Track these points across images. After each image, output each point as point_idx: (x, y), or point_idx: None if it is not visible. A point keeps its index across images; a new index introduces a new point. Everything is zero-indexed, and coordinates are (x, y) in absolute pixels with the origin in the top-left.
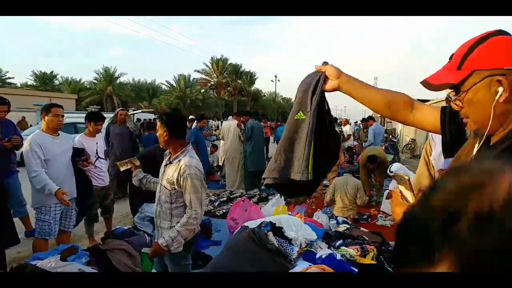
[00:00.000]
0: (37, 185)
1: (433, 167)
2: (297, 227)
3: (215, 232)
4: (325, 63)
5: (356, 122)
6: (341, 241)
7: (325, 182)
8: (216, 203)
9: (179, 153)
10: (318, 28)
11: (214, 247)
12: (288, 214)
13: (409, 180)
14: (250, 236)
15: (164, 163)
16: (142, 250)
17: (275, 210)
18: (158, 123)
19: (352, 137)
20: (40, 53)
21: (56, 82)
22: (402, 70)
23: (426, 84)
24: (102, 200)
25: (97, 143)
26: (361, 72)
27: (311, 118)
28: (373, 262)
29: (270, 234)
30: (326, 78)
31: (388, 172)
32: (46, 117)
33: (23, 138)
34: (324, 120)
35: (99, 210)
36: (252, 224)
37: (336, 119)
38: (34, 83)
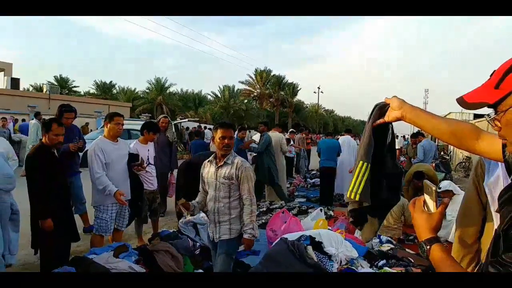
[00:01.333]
0: (99, 186)
1: (485, 193)
2: (337, 243)
3: (254, 242)
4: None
5: (404, 136)
6: (384, 261)
7: None
8: (256, 213)
9: (229, 155)
10: (364, 38)
11: (252, 256)
12: (329, 229)
13: (435, 190)
14: (289, 248)
15: (213, 167)
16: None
17: (315, 224)
18: (231, 130)
19: (399, 152)
20: (100, 63)
21: (114, 91)
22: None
23: (462, 101)
24: (151, 203)
25: (148, 150)
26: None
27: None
28: None
29: (310, 248)
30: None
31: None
32: (109, 125)
33: (85, 142)
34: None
35: (148, 213)
36: (291, 236)
37: None
38: (96, 92)
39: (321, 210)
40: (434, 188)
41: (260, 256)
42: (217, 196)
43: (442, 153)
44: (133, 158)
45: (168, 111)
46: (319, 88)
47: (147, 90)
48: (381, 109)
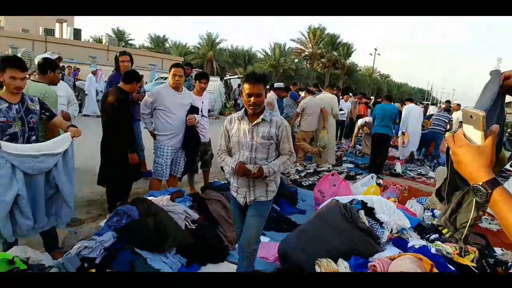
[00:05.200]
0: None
1: None
2: (389, 211)
3: (301, 201)
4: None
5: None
6: (436, 235)
7: (420, 170)
8: (303, 174)
9: (264, 112)
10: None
11: (299, 215)
12: (380, 196)
13: (483, 117)
14: (341, 211)
15: (245, 124)
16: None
17: (366, 190)
18: (259, 86)
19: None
20: (154, 18)
21: (167, 45)
22: None
23: None
24: (203, 154)
25: (202, 102)
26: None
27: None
28: (473, 264)
29: (362, 213)
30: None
31: (508, 168)
32: (170, 75)
33: (145, 91)
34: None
35: (199, 163)
36: (342, 199)
37: (449, 101)
38: (150, 45)
39: (372, 177)
40: (482, 114)
41: (307, 215)
42: (253, 158)
43: (509, 130)
44: (193, 110)
45: (218, 66)
46: (375, 49)
47: (198, 45)
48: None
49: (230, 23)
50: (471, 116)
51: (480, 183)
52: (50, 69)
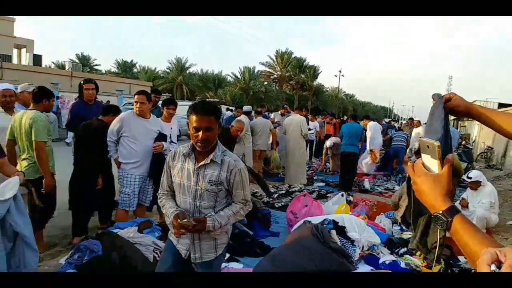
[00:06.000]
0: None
1: None
2: (360, 229)
3: (274, 223)
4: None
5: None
6: (405, 249)
7: (387, 185)
8: (275, 195)
9: (215, 150)
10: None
11: (272, 238)
12: (351, 214)
13: (439, 146)
14: (313, 232)
15: (190, 164)
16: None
17: (337, 208)
18: (210, 118)
19: None
20: (121, 43)
21: (135, 70)
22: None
23: None
24: None
25: (171, 128)
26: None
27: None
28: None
29: (333, 232)
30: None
31: (464, 179)
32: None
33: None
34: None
35: None
36: (314, 220)
37: (411, 119)
38: (117, 71)
39: (342, 195)
40: (437, 144)
41: (280, 237)
42: (197, 206)
43: (464, 142)
44: (162, 137)
45: (188, 91)
46: (340, 71)
47: (167, 70)
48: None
49: (199, 48)
50: (428, 146)
51: (440, 212)
52: (45, 97)
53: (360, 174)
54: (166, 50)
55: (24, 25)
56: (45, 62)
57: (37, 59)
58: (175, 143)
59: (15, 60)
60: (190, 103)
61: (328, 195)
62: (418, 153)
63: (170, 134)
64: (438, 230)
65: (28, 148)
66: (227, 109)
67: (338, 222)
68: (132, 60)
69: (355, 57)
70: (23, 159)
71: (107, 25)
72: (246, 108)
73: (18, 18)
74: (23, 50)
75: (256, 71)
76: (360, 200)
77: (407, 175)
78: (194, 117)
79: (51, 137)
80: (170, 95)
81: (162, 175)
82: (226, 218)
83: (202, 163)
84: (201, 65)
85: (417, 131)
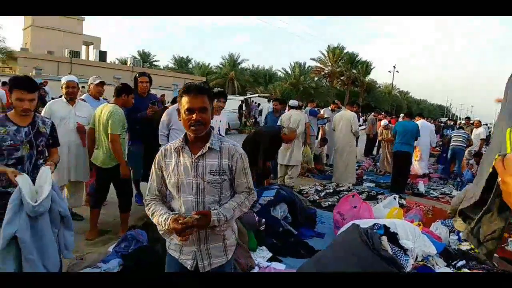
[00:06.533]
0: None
1: None
2: (414, 237)
3: (319, 223)
4: None
5: (486, 124)
6: (463, 262)
7: (444, 189)
8: (322, 194)
9: (211, 137)
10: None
11: (317, 239)
12: (404, 219)
13: None
14: (362, 237)
15: (186, 158)
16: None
17: (389, 212)
18: (203, 97)
19: (482, 142)
20: (179, 40)
21: (190, 65)
22: None
23: None
24: None
25: (220, 121)
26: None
27: None
28: None
29: (384, 239)
30: None
31: None
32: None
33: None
34: None
35: None
36: (363, 223)
37: (468, 118)
38: (174, 66)
39: (394, 197)
40: None
41: (325, 239)
42: (200, 202)
43: None
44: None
45: (239, 86)
46: (394, 67)
47: (220, 65)
48: None
49: (251, 45)
50: None
51: None
52: (125, 93)
53: (413, 175)
54: (219, 48)
55: (91, 24)
56: (110, 58)
57: (102, 55)
58: (223, 136)
59: (83, 56)
60: (241, 97)
61: (379, 196)
62: (477, 155)
63: (219, 127)
64: (497, 220)
65: (104, 139)
66: (268, 100)
67: (389, 228)
68: (187, 56)
69: (411, 53)
70: (100, 148)
71: (167, 24)
72: (293, 102)
73: (87, 18)
74: (91, 47)
75: (307, 66)
76: (413, 204)
77: (464, 179)
78: (186, 98)
79: (124, 130)
80: (222, 89)
81: (150, 177)
82: (231, 211)
83: (199, 153)
84: (252, 60)
85: (477, 132)
